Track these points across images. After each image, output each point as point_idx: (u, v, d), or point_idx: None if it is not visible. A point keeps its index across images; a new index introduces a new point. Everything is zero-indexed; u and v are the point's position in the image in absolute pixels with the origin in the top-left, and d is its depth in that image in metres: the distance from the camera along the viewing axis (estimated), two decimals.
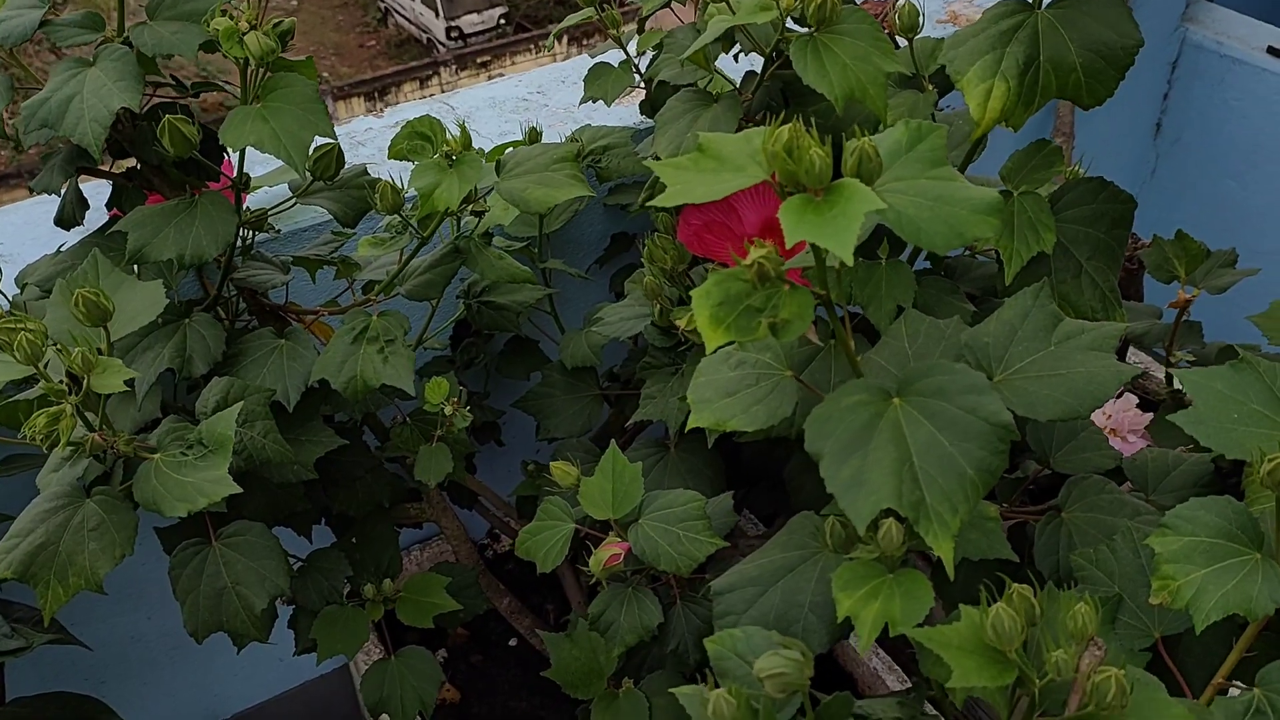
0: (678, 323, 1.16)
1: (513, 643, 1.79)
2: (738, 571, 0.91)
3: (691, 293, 0.78)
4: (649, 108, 1.17)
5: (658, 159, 1.05)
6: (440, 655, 1.77)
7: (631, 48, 1.31)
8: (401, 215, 1.07)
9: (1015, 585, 0.71)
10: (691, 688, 0.71)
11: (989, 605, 0.70)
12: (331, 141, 1.07)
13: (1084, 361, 0.87)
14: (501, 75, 13.70)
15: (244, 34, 0.99)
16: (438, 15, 14.10)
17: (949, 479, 0.74)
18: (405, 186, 1.11)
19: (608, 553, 1.03)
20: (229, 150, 1.02)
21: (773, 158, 0.74)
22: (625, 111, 1.68)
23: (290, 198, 1.16)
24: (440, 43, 13.96)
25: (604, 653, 1.26)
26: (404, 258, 1.11)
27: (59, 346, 0.85)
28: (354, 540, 1.38)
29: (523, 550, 1.10)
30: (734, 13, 0.99)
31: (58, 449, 0.93)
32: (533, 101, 1.71)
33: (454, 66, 13.23)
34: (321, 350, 1.15)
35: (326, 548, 1.32)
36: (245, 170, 1.08)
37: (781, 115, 1.11)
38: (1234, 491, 0.82)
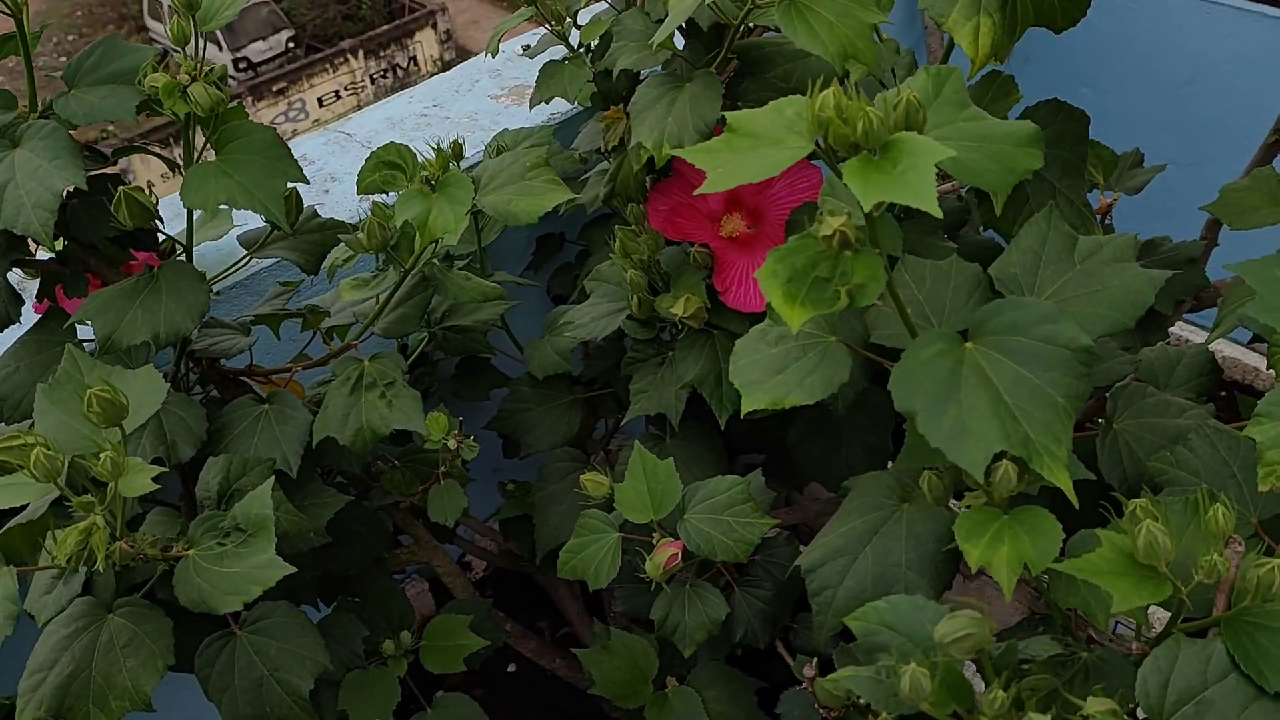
0: (673, 310, 1.14)
1: (511, 669, 1.75)
2: (822, 545, 0.90)
3: (757, 274, 0.76)
4: (601, 100, 1.14)
5: (642, 148, 1.03)
6: None
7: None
8: (388, 251, 1.01)
9: (1136, 501, 0.72)
10: (855, 671, 0.69)
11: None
12: (291, 186, 1.01)
13: (1114, 274, 0.89)
14: (301, 100, 13.24)
15: (186, 87, 0.92)
16: (221, 48, 13.56)
17: (1044, 410, 0.75)
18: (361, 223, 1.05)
19: (665, 554, 1.00)
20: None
21: (821, 124, 0.72)
22: (532, 111, 1.65)
23: (245, 254, 1.09)
24: (229, 76, 13.46)
25: (644, 657, 1.24)
26: (385, 295, 1.06)
27: (80, 457, 0.78)
28: (356, 598, 1.31)
29: (568, 570, 1.07)
30: None
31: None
32: (432, 116, 1.65)
33: (249, 98, 12.75)
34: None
35: (334, 613, 1.25)
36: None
37: (745, 86, 1.10)
38: None
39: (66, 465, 0.77)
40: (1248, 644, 0.66)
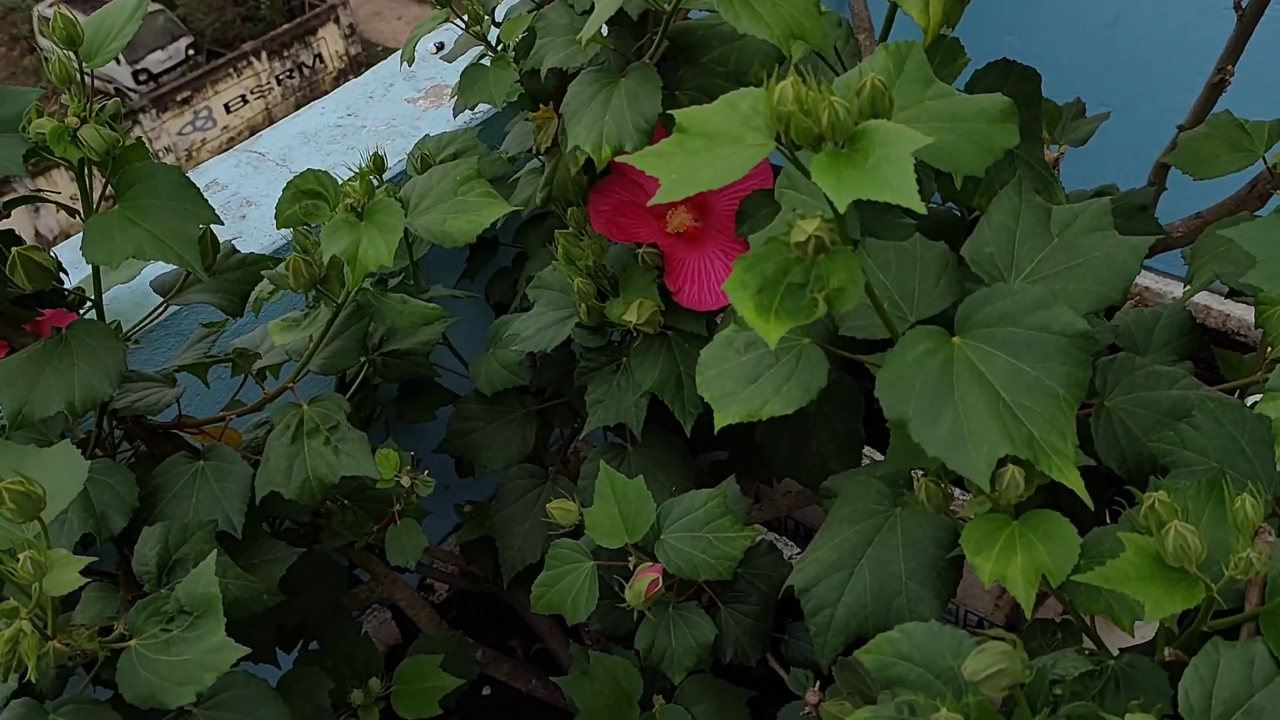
0: (626, 318, 1.07)
1: (486, 691, 1.68)
2: (814, 560, 0.85)
3: (724, 287, 0.70)
4: (529, 101, 1.07)
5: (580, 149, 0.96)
6: None
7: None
8: (317, 287, 0.93)
9: (1153, 495, 0.67)
10: (873, 711, 0.64)
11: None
12: (203, 228, 0.93)
13: (1094, 244, 0.84)
14: (207, 108, 12.88)
15: (76, 130, 0.83)
16: (119, 61, 13.13)
17: (1046, 405, 0.70)
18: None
19: (645, 580, 0.94)
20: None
21: (781, 119, 0.66)
22: (449, 114, 1.57)
23: (161, 301, 1.00)
24: (130, 90, 13.01)
25: (627, 678, 1.18)
26: (318, 332, 0.98)
27: None
28: (317, 648, 1.24)
29: (543, 605, 1.00)
30: None
31: None
32: (347, 125, 1.57)
33: (153, 111, 12.35)
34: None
35: (296, 668, 1.18)
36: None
37: (681, 74, 1.03)
38: None
39: None
40: None
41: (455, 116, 1.21)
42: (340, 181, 0.91)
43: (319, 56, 13.36)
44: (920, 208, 0.61)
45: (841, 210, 0.63)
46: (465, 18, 1.06)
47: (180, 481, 0.99)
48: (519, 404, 1.37)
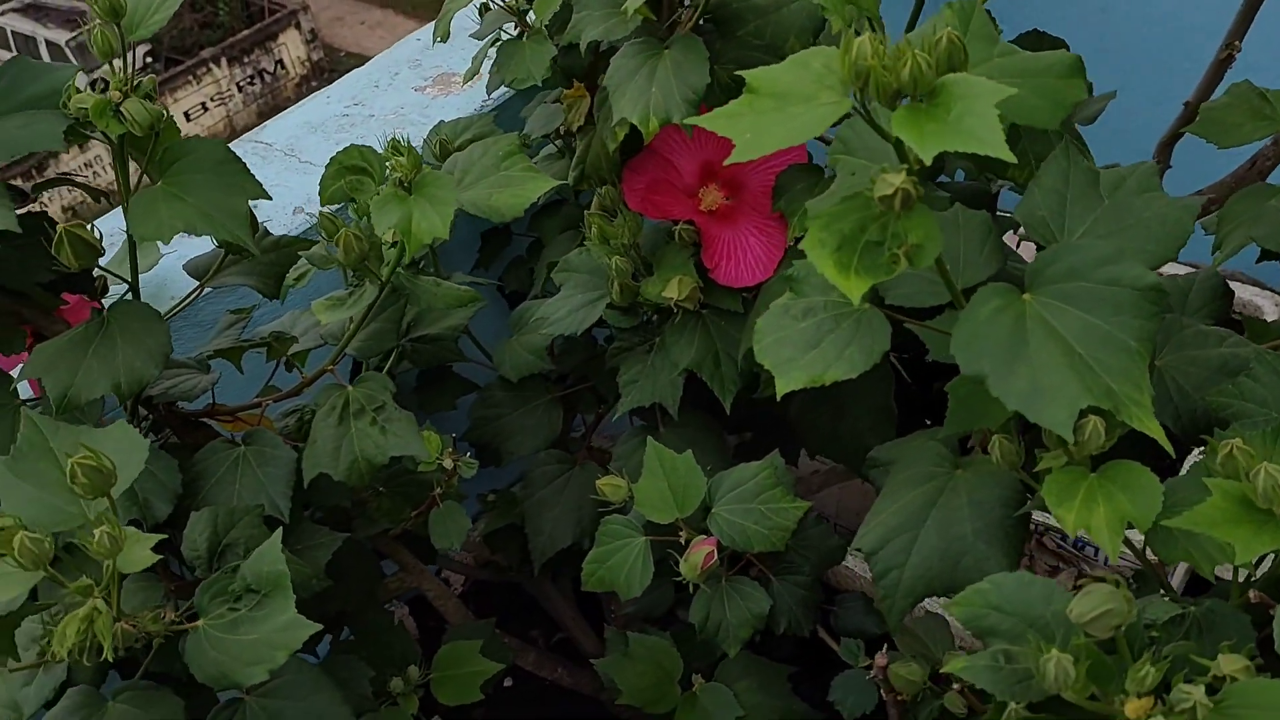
0: (667, 294, 1.07)
1: (508, 683, 1.67)
2: (878, 524, 0.85)
3: (803, 244, 0.70)
4: (562, 78, 1.06)
5: (630, 122, 0.95)
6: None
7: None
8: (364, 265, 0.92)
9: (1230, 442, 0.68)
10: (970, 660, 0.64)
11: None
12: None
13: (1145, 205, 0.85)
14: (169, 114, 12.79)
15: (119, 105, 0.82)
16: (72, 65, 12.97)
17: (1120, 358, 0.70)
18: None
19: (701, 553, 0.94)
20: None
21: (859, 74, 0.66)
22: (462, 100, 1.56)
23: (198, 284, 0.99)
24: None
25: (667, 658, 1.18)
26: (360, 312, 0.97)
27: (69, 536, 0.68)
28: (352, 638, 1.23)
29: (594, 582, 1.00)
30: None
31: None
32: (354, 115, 1.55)
33: None
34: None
35: (334, 657, 1.17)
36: None
37: (718, 47, 1.03)
38: None
39: (53, 547, 0.68)
40: None
41: (490, 93, 1.20)
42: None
43: (280, 62, 13.26)
44: (1011, 157, 0.61)
45: (928, 162, 0.63)
46: None
47: (222, 467, 0.98)
48: (545, 390, 1.36)
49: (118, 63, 0.84)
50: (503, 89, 1.54)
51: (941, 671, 0.70)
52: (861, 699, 1.01)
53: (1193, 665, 0.64)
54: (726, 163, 0.68)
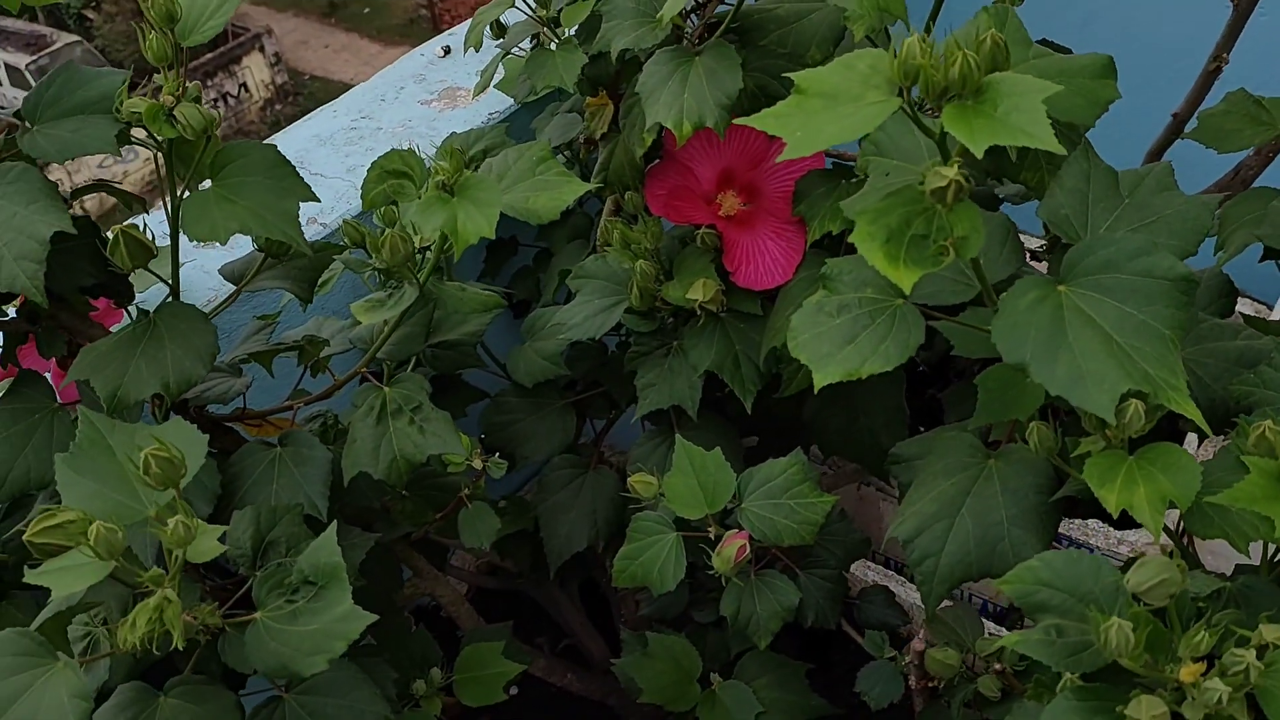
0: (691, 296, 1.09)
1: (513, 691, 1.68)
2: (914, 514, 0.87)
3: (851, 238, 0.73)
4: (588, 86, 1.09)
5: (662, 127, 0.98)
6: None
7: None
8: (404, 267, 0.94)
9: (1262, 424, 0.71)
10: (1023, 634, 0.66)
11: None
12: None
13: (1166, 203, 0.88)
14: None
15: (172, 110, 0.84)
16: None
17: (1154, 345, 0.74)
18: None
19: (734, 546, 0.96)
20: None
21: (909, 73, 0.69)
22: (468, 114, 1.58)
23: (234, 289, 1.00)
24: None
25: (686, 656, 1.20)
26: (398, 314, 0.99)
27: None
28: (373, 641, 1.23)
29: (626, 578, 1.02)
30: None
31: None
32: (362, 128, 1.57)
33: None
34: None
35: (356, 659, 1.17)
36: None
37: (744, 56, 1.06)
38: None
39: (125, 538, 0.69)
40: None
41: (518, 102, 1.22)
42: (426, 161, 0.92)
43: (244, 86, 13.21)
44: (1059, 149, 0.64)
45: (979, 155, 0.66)
46: (532, 2, 1.08)
47: (259, 468, 0.99)
48: (558, 395, 1.38)
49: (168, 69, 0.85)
50: (508, 103, 1.57)
51: (995, 648, 0.73)
52: (888, 689, 1.03)
53: (1236, 636, 0.67)
54: (779, 159, 0.71)
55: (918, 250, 0.72)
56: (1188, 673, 0.61)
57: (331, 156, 1.52)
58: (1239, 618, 0.64)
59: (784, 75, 0.75)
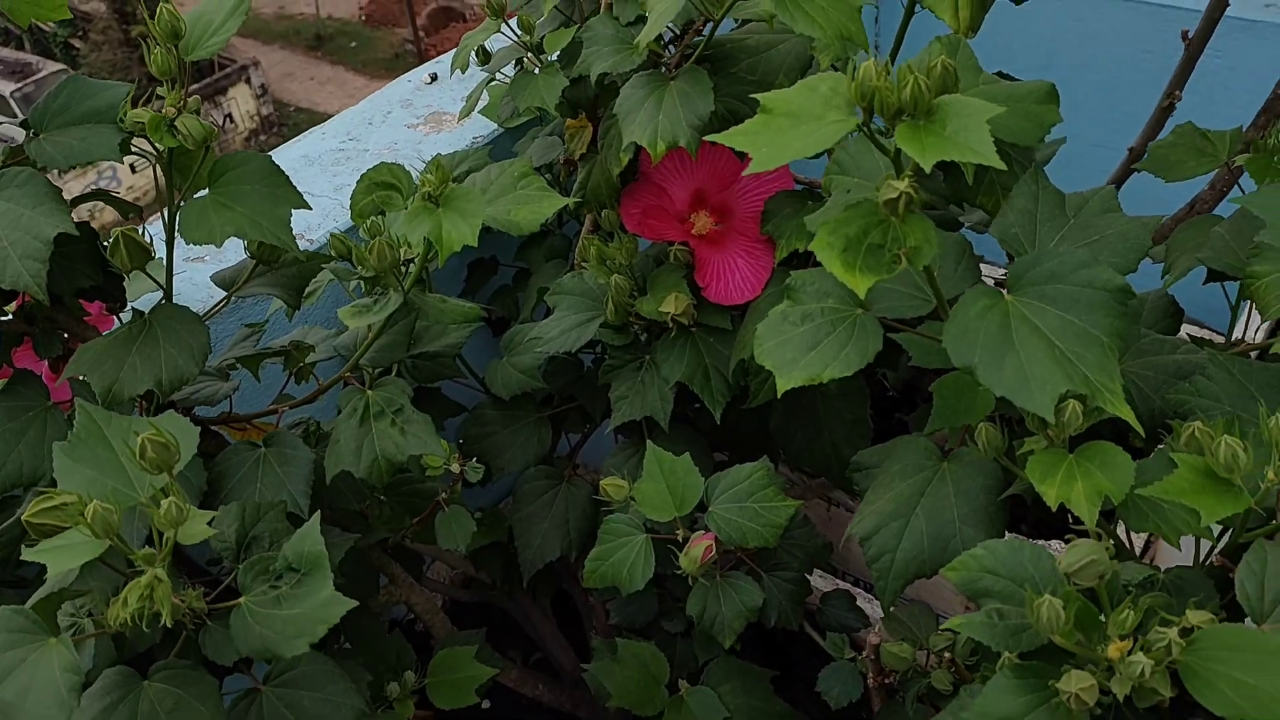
0: (664, 309, 1.14)
1: (485, 705, 1.70)
2: (872, 513, 0.92)
3: (811, 246, 0.78)
4: (568, 108, 1.14)
5: (638, 146, 1.03)
6: None
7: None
8: (391, 274, 0.98)
9: (1191, 425, 0.76)
10: (966, 617, 0.71)
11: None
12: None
13: (1108, 224, 0.94)
14: (112, 168, 12.67)
15: (173, 121, 0.88)
16: (17, 117, 12.89)
17: (1094, 351, 0.79)
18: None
19: (700, 547, 1.00)
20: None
21: (865, 94, 0.75)
22: (453, 137, 1.63)
23: (225, 294, 1.04)
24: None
25: (654, 662, 1.24)
26: (382, 320, 1.03)
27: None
28: (347, 644, 1.26)
29: (595, 578, 1.05)
30: None
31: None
32: (350, 149, 1.62)
33: (55, 171, 12.11)
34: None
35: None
36: None
37: (715, 82, 1.12)
38: None
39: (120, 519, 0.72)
40: None
41: (500, 123, 1.27)
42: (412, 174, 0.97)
43: (229, 116, 13.26)
44: (1001, 165, 0.70)
45: (928, 170, 0.71)
46: (517, 28, 1.14)
47: (244, 467, 1.02)
48: (533, 409, 1.42)
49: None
50: (491, 127, 1.62)
51: (942, 629, 0.77)
52: (847, 688, 1.07)
53: (1160, 617, 0.71)
54: (744, 174, 0.76)
55: (873, 258, 0.77)
56: (1115, 649, 0.65)
57: (319, 176, 1.57)
58: (1167, 602, 0.68)
59: (751, 97, 0.80)
